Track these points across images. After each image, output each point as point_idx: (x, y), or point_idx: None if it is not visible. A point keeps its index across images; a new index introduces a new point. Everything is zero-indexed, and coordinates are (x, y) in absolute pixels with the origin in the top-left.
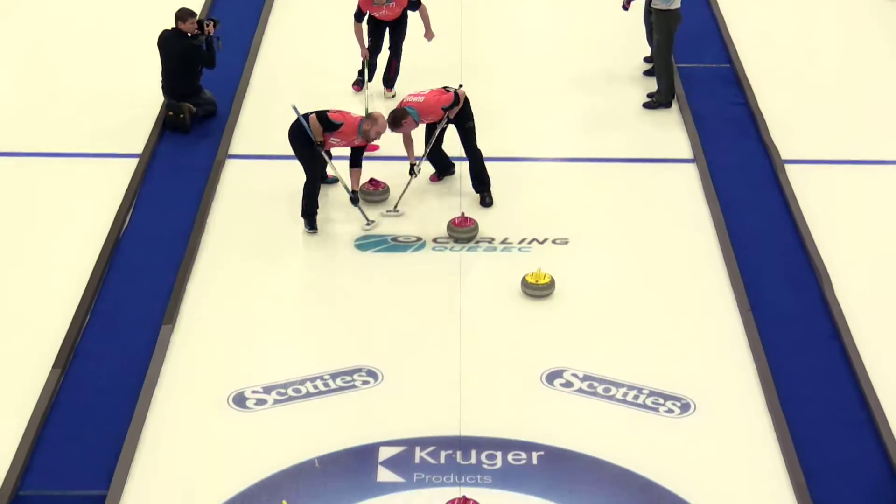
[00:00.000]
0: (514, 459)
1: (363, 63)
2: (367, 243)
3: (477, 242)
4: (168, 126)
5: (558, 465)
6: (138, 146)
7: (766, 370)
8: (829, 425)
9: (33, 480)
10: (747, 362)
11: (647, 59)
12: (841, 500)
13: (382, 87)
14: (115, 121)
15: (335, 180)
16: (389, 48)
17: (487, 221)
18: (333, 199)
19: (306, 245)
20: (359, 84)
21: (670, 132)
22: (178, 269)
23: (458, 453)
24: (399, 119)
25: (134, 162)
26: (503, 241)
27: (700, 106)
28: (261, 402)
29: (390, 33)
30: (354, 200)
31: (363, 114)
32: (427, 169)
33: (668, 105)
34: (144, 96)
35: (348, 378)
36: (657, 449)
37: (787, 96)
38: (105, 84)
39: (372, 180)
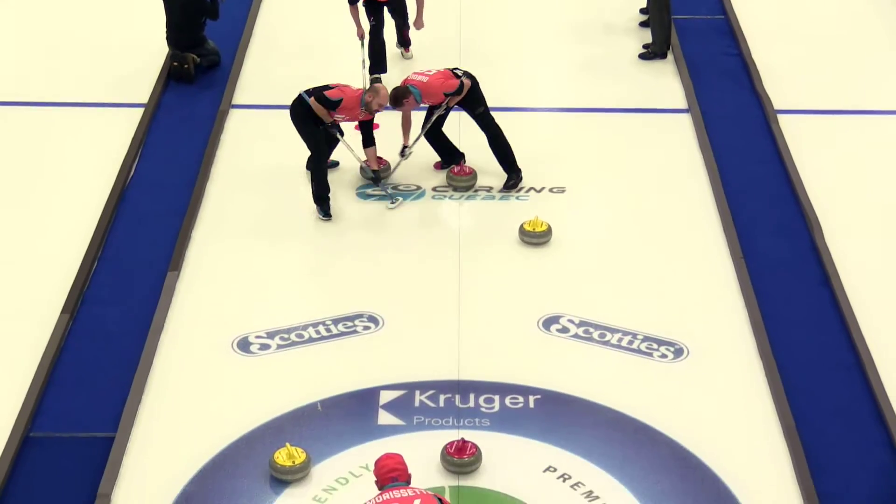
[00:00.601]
0: (511, 403)
1: (362, 43)
2: (368, 192)
3: (476, 191)
4: (173, 76)
5: (555, 409)
6: (143, 96)
7: (758, 316)
8: (818, 370)
9: (43, 423)
10: (739, 309)
11: (642, 11)
12: (829, 442)
13: (399, 48)
14: (120, 71)
15: (336, 164)
16: (394, 18)
17: (486, 170)
18: (335, 155)
19: (309, 193)
20: (377, 81)
21: (665, 82)
22: (184, 217)
23: (457, 397)
24: (400, 98)
25: (139, 112)
26: (501, 190)
27: (695, 57)
28: (264, 346)
29: (390, 10)
30: (376, 180)
31: (363, 86)
32: (430, 154)
33: (663, 56)
34: (149, 47)
35: (350, 323)
36: (651, 393)
37: (780, 47)
38: (111, 35)
39: None
